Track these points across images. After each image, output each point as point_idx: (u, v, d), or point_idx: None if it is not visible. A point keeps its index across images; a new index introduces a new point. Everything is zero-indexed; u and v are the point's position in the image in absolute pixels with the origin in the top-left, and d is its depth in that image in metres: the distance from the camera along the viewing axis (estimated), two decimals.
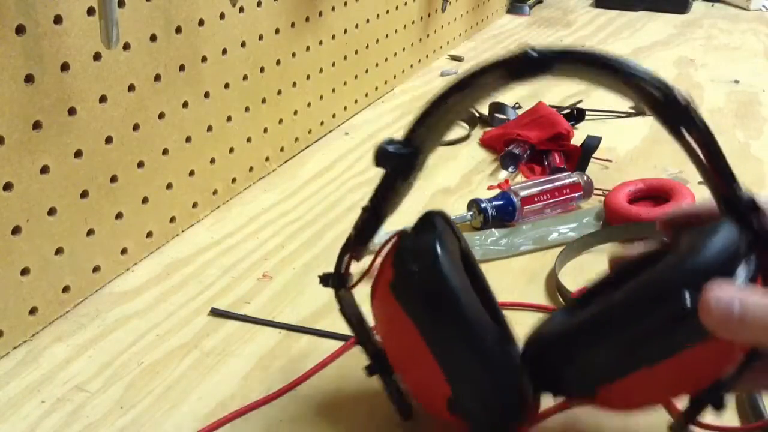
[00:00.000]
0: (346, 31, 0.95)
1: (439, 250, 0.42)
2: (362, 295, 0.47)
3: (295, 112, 0.87)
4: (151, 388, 0.52)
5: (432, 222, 0.45)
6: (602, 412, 0.42)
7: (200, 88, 0.71)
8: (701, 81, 1.18)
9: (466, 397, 0.42)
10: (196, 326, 0.59)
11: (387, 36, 1.07)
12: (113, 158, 0.62)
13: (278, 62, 0.82)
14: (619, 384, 0.40)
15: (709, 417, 0.41)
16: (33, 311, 0.57)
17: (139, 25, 0.62)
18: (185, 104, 0.69)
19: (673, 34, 1.47)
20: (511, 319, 0.46)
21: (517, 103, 1.04)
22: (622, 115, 1.01)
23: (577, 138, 0.87)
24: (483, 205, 0.72)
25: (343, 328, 0.50)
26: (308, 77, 0.89)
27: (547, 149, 0.86)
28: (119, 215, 0.64)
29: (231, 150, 0.77)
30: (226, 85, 0.74)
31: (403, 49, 1.14)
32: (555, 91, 1.09)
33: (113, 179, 0.62)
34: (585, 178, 0.77)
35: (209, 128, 0.73)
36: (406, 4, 1.11)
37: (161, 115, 0.66)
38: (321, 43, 0.90)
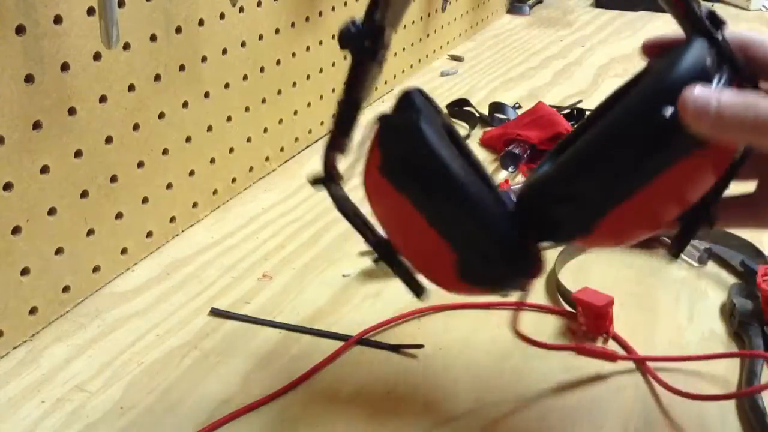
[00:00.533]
0: None
1: (422, 123, 0.42)
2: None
3: (295, 112, 0.87)
4: (151, 388, 0.52)
5: (410, 98, 0.44)
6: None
7: (200, 88, 0.71)
8: None
9: (472, 256, 0.41)
10: (196, 326, 0.59)
11: None
12: (113, 158, 0.62)
13: (278, 62, 0.82)
14: (615, 213, 0.39)
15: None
16: (33, 311, 0.57)
17: (139, 25, 0.62)
18: (185, 104, 0.69)
19: None
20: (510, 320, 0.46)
21: (517, 103, 1.04)
22: None
23: None
24: None
25: (343, 328, 0.50)
26: (308, 77, 0.89)
27: (548, 149, 0.86)
28: (119, 215, 0.64)
29: (231, 150, 0.77)
30: (226, 85, 0.74)
31: (403, 49, 1.14)
32: (555, 91, 1.09)
33: (113, 179, 0.62)
34: None
35: (209, 128, 0.73)
36: None
37: (161, 115, 0.66)
38: (321, 43, 0.90)
